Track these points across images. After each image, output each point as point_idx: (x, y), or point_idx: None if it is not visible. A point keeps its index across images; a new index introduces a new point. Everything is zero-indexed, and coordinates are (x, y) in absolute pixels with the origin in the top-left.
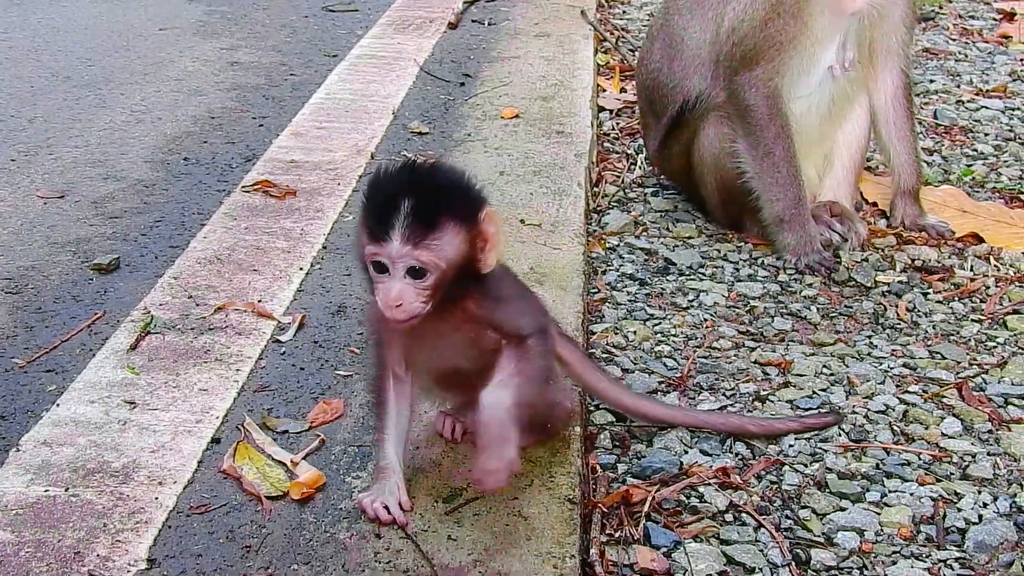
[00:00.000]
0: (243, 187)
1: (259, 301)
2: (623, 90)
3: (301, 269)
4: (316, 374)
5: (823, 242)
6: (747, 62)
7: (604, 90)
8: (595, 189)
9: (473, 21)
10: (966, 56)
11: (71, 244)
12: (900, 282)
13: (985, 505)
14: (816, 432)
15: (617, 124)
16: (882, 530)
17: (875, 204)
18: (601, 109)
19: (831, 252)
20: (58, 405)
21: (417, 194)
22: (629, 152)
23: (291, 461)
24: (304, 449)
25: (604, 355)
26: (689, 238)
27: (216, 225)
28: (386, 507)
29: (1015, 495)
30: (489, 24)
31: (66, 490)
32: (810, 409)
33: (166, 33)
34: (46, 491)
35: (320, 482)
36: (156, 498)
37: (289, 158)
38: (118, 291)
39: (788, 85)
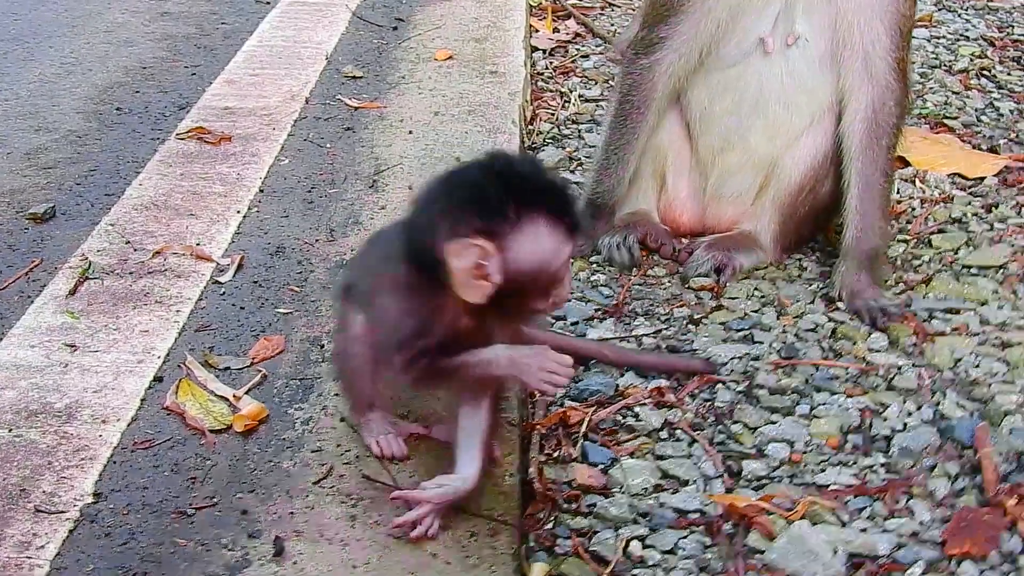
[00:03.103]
0: (177, 135)
1: (197, 244)
2: (556, 30)
3: (238, 212)
4: (256, 312)
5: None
6: (644, 23)
7: (537, 31)
8: (529, 127)
9: None
10: None
11: (5, 195)
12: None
13: (910, 414)
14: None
15: (551, 63)
16: (811, 440)
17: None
18: (534, 49)
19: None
20: None
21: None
22: (563, 91)
23: (233, 396)
24: (246, 384)
25: None
26: None
27: (151, 172)
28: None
29: (938, 403)
30: None
31: (9, 431)
32: (741, 330)
33: None
34: None
35: (263, 414)
36: (100, 436)
37: (223, 105)
38: (55, 239)
39: (686, 57)
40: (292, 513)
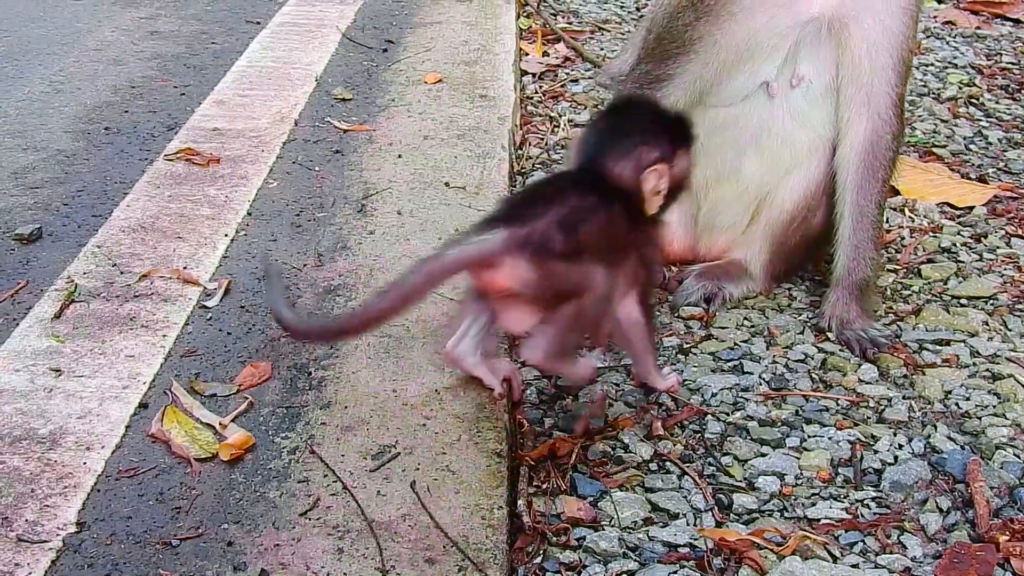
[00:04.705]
0: (166, 156)
1: (184, 268)
2: (545, 54)
3: (226, 235)
4: (243, 338)
5: None
6: (647, 56)
7: (527, 54)
8: (519, 151)
9: None
10: None
11: None
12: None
13: (900, 447)
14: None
15: (540, 87)
16: (802, 473)
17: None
18: (524, 73)
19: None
20: None
21: None
22: (552, 115)
23: (220, 423)
24: (232, 412)
25: None
26: None
27: (139, 194)
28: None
29: (929, 436)
30: None
31: None
32: (731, 360)
33: (84, 3)
34: None
35: (249, 443)
36: (84, 463)
37: (212, 126)
38: (41, 261)
39: (691, 94)
40: (278, 545)
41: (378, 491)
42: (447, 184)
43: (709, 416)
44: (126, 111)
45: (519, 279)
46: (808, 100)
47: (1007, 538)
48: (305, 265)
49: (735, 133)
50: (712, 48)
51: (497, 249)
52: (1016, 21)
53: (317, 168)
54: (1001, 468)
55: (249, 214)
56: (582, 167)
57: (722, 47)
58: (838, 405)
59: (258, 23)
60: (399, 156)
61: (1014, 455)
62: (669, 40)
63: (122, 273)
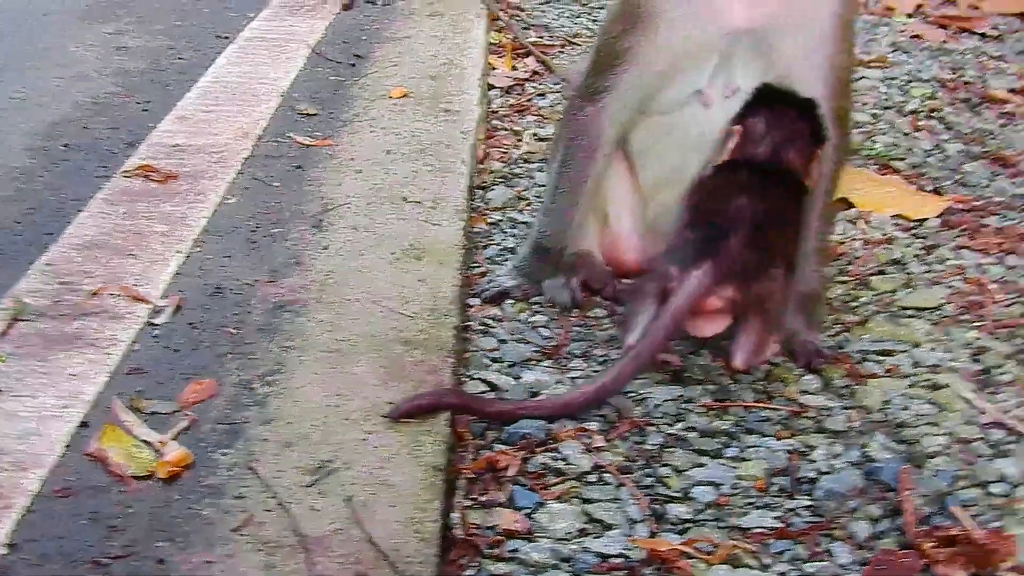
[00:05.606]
0: (124, 172)
1: (135, 285)
2: (514, 67)
3: (180, 252)
4: (190, 355)
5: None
6: (590, 69)
7: (495, 68)
8: (481, 165)
9: (367, 2)
10: None
11: None
12: None
13: (836, 456)
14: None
15: (507, 102)
16: (738, 483)
17: None
18: (491, 87)
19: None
20: None
21: None
22: (516, 129)
23: (159, 441)
24: (173, 429)
25: (481, 328)
26: None
27: (94, 211)
28: None
29: (865, 445)
30: (383, 4)
31: None
32: (676, 372)
33: (50, 18)
34: None
35: (187, 460)
36: (19, 483)
37: (173, 142)
38: None
39: (628, 104)
40: (209, 562)
41: (312, 506)
42: (405, 199)
43: (650, 427)
44: (86, 127)
45: (725, 301)
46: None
47: (932, 545)
48: (257, 281)
49: (677, 139)
50: (642, 60)
51: (705, 289)
52: (983, 35)
53: (277, 184)
54: (934, 476)
55: (205, 230)
56: (738, 160)
57: (650, 59)
58: (779, 416)
59: (227, 38)
60: (359, 171)
61: (947, 463)
62: (606, 53)
63: (71, 291)
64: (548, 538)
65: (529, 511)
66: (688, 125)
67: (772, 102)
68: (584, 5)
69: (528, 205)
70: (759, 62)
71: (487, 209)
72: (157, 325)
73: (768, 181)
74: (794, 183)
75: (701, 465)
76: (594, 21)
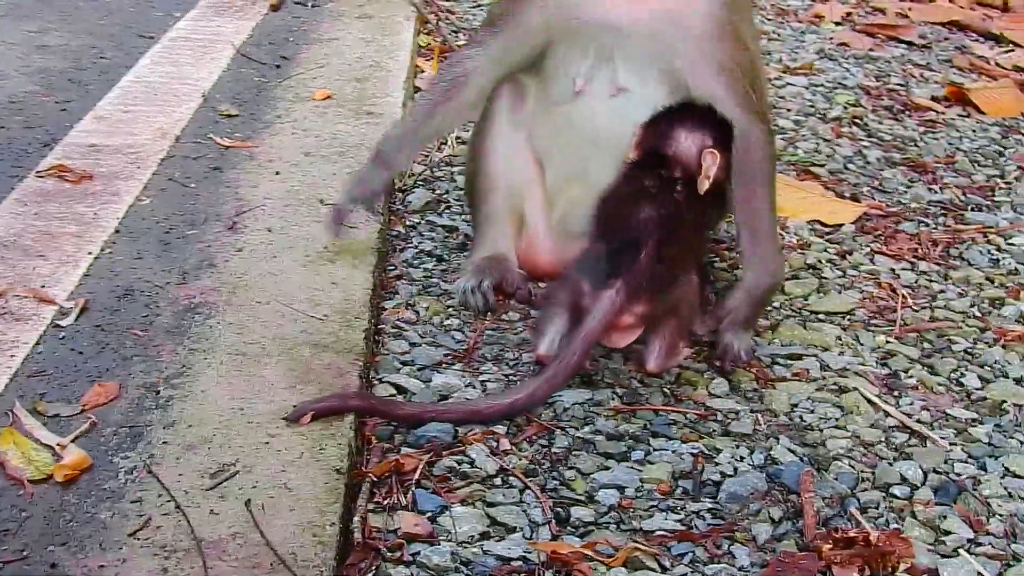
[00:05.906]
0: (37, 172)
1: (42, 287)
2: None
3: (90, 254)
4: (95, 358)
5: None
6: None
7: (423, 71)
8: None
9: (296, 3)
10: (779, 35)
11: None
12: None
13: (741, 459)
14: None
15: None
16: (642, 486)
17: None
18: (417, 89)
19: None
20: None
21: None
22: None
23: (58, 444)
24: (74, 432)
25: (394, 331)
26: None
27: (4, 211)
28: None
29: (770, 448)
30: (312, 6)
31: None
32: (586, 375)
33: None
34: None
35: (86, 464)
36: None
37: (89, 142)
38: None
39: (498, 61)
40: (103, 566)
41: (211, 510)
42: (322, 201)
43: (558, 431)
44: (2, 127)
45: (637, 317)
46: (636, 108)
47: (830, 547)
48: (168, 283)
49: (573, 133)
50: (517, 27)
51: (618, 308)
52: (910, 44)
53: (193, 185)
54: (835, 479)
55: (117, 231)
56: (636, 162)
57: (522, 32)
58: (686, 419)
59: (152, 38)
60: (277, 173)
61: (849, 466)
62: (490, 15)
63: None
64: (450, 541)
65: (432, 515)
66: (580, 119)
67: (675, 109)
68: None
69: (448, 208)
70: (648, 65)
71: (406, 212)
72: (62, 327)
73: (671, 187)
74: (695, 187)
75: (606, 468)
76: None
